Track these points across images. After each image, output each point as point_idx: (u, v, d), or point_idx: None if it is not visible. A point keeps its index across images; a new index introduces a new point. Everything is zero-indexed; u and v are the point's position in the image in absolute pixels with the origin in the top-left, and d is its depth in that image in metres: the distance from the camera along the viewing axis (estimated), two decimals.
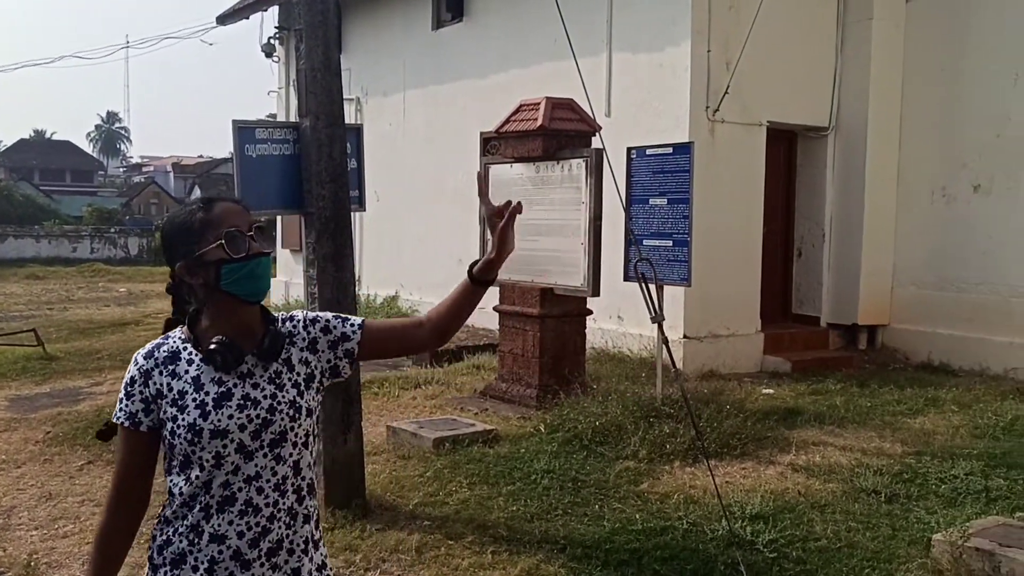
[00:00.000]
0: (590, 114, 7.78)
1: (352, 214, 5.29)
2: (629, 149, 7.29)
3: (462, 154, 12.23)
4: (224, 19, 16.26)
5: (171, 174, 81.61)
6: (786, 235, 10.59)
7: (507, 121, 8.07)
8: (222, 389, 1.92)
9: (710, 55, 9.18)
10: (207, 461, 1.90)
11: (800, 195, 10.59)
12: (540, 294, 7.77)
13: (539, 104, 7.82)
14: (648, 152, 7.06)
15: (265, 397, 1.95)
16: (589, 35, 10.15)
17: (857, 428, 7.00)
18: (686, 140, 8.94)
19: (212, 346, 1.91)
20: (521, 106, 8.06)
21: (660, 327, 5.89)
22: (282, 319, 2.08)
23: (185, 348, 1.97)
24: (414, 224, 13.28)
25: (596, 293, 7.48)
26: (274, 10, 16.19)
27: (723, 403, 6.95)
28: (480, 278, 2.20)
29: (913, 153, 10.08)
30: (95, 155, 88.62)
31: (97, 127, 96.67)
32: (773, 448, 6.35)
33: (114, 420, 1.98)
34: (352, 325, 2.11)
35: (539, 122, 7.65)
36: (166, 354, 1.97)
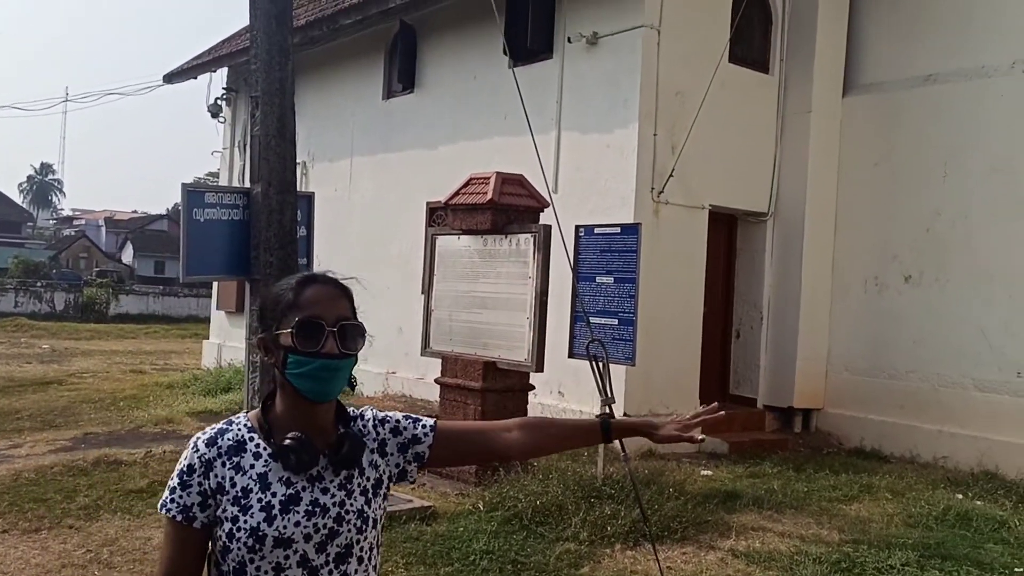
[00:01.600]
0: (538, 190, 7.89)
1: None
2: (577, 227, 7.37)
3: (407, 222, 12.26)
4: (172, 78, 16.17)
5: (103, 228, 79.99)
6: (725, 316, 10.76)
7: (457, 193, 8.09)
8: (290, 491, 1.74)
9: (656, 139, 9.40)
10: (265, 572, 1.71)
11: (739, 277, 10.80)
12: (483, 368, 7.71)
13: (489, 178, 7.88)
14: (596, 231, 7.14)
15: (334, 505, 1.78)
16: (539, 113, 10.31)
17: (795, 514, 7.02)
18: (631, 220, 9.11)
19: (287, 442, 1.74)
20: (471, 179, 8.10)
21: (610, 409, 5.86)
22: (352, 416, 1.92)
23: (252, 439, 1.79)
24: (355, 290, 13.12)
25: (540, 368, 7.46)
26: (223, 70, 16.19)
27: (664, 484, 6.93)
28: (610, 435, 2.08)
29: (848, 242, 10.39)
30: (25, 206, 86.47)
31: (29, 178, 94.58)
32: (713, 532, 6.32)
33: (162, 511, 1.77)
34: (424, 427, 1.96)
35: (488, 196, 7.69)
36: (231, 443, 1.78)
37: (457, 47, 11.69)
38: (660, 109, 9.42)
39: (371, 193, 13.13)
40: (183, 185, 4.88)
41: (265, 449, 1.78)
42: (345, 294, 1.88)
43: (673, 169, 9.38)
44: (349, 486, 1.81)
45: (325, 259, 13.27)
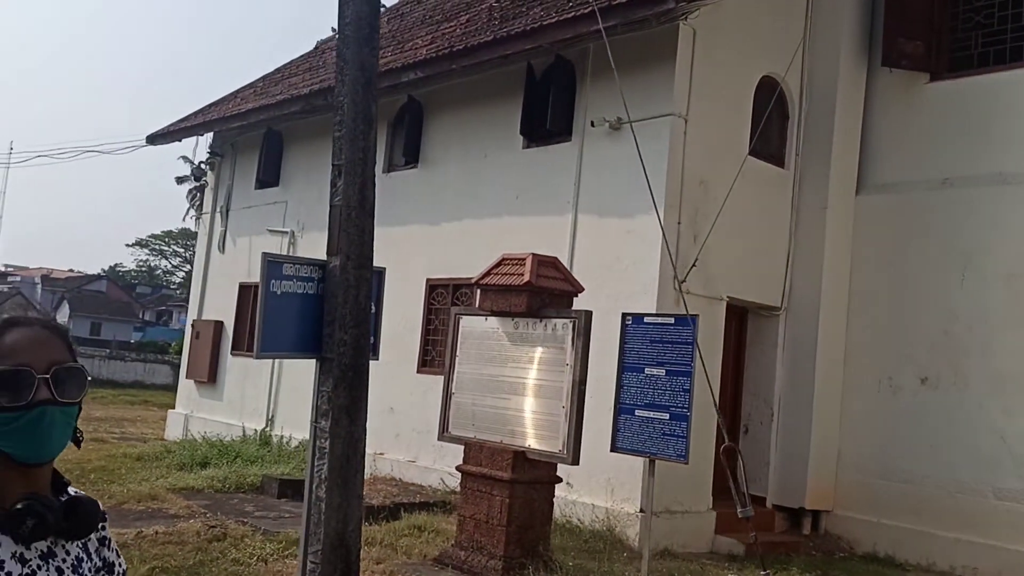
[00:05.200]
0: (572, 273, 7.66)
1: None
2: (624, 315, 7.10)
3: (404, 298, 11.85)
4: (155, 139, 15.72)
5: (39, 286, 77.54)
6: (734, 410, 10.52)
7: (488, 273, 7.79)
8: (26, 571, 1.49)
9: (680, 227, 9.27)
10: None
11: (748, 371, 10.61)
12: (512, 457, 7.29)
13: (524, 259, 7.59)
14: (646, 320, 6.87)
15: None
16: (555, 195, 10.17)
17: None
18: (654, 308, 8.91)
19: (19, 506, 1.48)
20: (504, 259, 7.81)
21: (748, 517, 5.48)
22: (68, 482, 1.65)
23: None
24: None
25: (576, 461, 7.07)
26: (208, 134, 15.82)
27: None
28: None
29: (860, 341, 10.30)
30: None
31: None
32: None
33: None
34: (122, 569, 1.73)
35: (525, 278, 7.40)
36: None
37: (466, 124, 11.52)
38: (684, 197, 9.32)
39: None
40: (264, 254, 4.50)
41: None
42: (58, 334, 1.62)
43: (696, 258, 9.23)
44: (81, 569, 1.59)
45: None
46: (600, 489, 9.05)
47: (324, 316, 4.66)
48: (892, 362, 10.03)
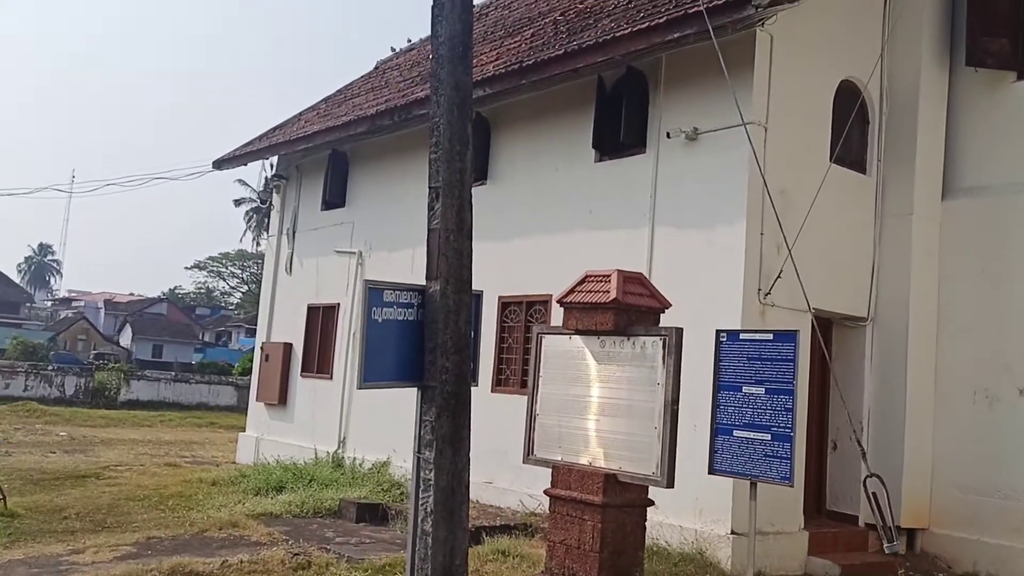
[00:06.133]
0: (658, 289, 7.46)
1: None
2: (718, 331, 6.88)
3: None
4: (221, 164, 15.88)
5: (102, 310, 79.33)
6: (820, 426, 10.18)
7: (571, 291, 7.61)
8: None
9: (762, 238, 9.01)
10: None
11: (835, 384, 10.26)
12: (604, 480, 7.09)
13: (610, 276, 7.40)
14: (742, 336, 6.63)
15: None
16: (630, 209, 9.98)
17: None
18: (739, 322, 8.67)
19: None
20: (587, 276, 7.62)
21: (894, 550, 5.22)
22: None
23: None
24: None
25: (671, 484, 6.82)
26: (273, 158, 15.94)
27: None
28: None
29: (951, 352, 9.90)
30: (23, 286, 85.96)
31: (27, 258, 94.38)
32: None
33: None
34: None
35: (612, 295, 7.20)
36: None
37: (535, 139, 11.39)
38: (765, 208, 9.05)
39: None
40: (365, 281, 4.39)
41: None
42: None
43: (781, 270, 8.95)
44: None
45: None
46: (688, 510, 8.79)
47: (425, 343, 4.51)
48: (988, 372, 9.62)
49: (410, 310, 4.53)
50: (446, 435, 4.47)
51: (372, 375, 4.39)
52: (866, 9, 10.26)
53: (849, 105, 9.89)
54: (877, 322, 10.07)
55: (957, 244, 10.04)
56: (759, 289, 8.96)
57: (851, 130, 9.92)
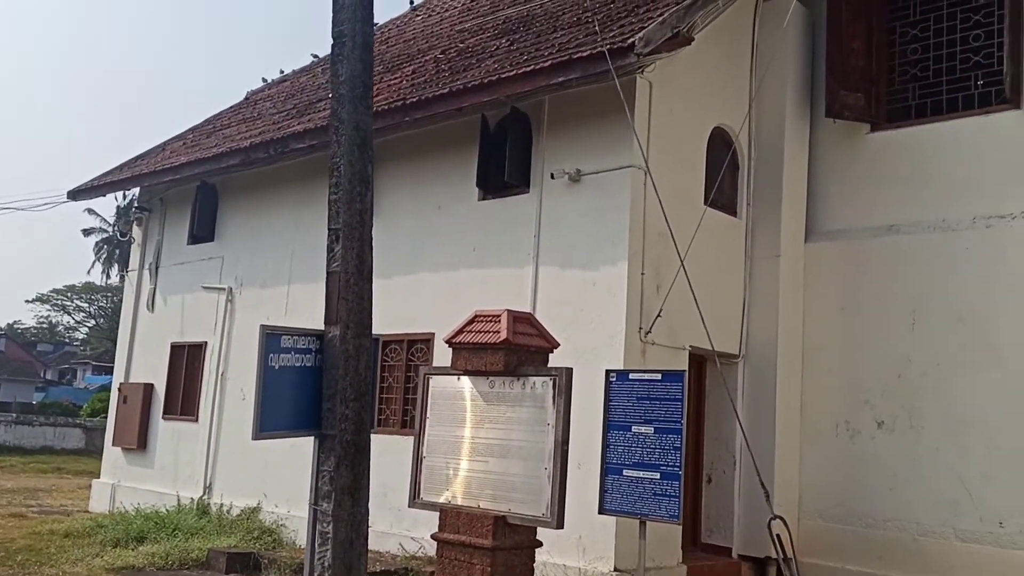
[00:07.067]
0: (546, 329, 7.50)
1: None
2: (608, 371, 6.97)
3: None
4: (77, 194, 15.03)
5: None
6: (696, 460, 10.44)
7: (460, 331, 7.54)
8: None
9: (643, 277, 9.22)
10: None
11: (709, 419, 10.57)
12: (493, 523, 7.01)
13: (499, 316, 7.38)
14: (631, 376, 6.73)
15: None
16: (514, 247, 10.03)
17: None
18: (621, 361, 8.81)
19: None
20: (477, 316, 7.58)
21: None
22: None
23: None
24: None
25: (560, 525, 6.82)
26: (133, 188, 15.22)
27: None
28: None
29: (816, 386, 10.40)
30: None
31: None
32: None
33: None
34: None
35: (502, 335, 7.18)
36: None
37: (418, 176, 11.32)
38: (647, 248, 9.29)
39: (310, 322, 12.29)
40: (262, 327, 4.19)
41: None
42: None
43: (661, 309, 9.18)
44: None
45: (249, 391, 12.25)
46: (572, 549, 8.81)
47: (324, 390, 4.35)
48: (848, 406, 10.14)
49: (308, 356, 4.37)
50: (345, 486, 4.31)
51: (268, 424, 4.19)
52: (737, 61, 10.76)
53: (722, 151, 10.31)
54: (748, 359, 10.46)
55: (819, 284, 10.58)
56: (640, 328, 9.14)
57: (724, 175, 10.34)
